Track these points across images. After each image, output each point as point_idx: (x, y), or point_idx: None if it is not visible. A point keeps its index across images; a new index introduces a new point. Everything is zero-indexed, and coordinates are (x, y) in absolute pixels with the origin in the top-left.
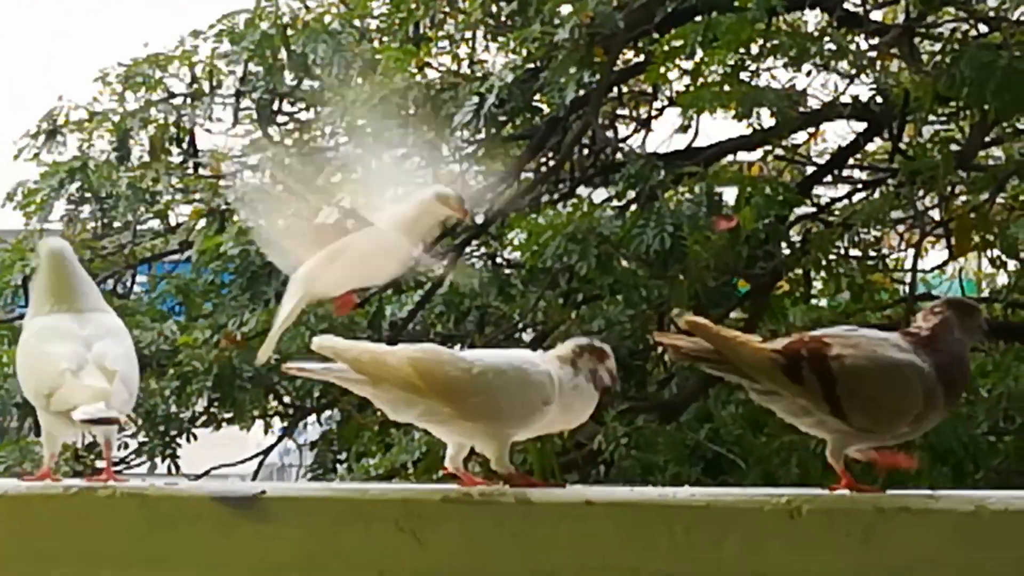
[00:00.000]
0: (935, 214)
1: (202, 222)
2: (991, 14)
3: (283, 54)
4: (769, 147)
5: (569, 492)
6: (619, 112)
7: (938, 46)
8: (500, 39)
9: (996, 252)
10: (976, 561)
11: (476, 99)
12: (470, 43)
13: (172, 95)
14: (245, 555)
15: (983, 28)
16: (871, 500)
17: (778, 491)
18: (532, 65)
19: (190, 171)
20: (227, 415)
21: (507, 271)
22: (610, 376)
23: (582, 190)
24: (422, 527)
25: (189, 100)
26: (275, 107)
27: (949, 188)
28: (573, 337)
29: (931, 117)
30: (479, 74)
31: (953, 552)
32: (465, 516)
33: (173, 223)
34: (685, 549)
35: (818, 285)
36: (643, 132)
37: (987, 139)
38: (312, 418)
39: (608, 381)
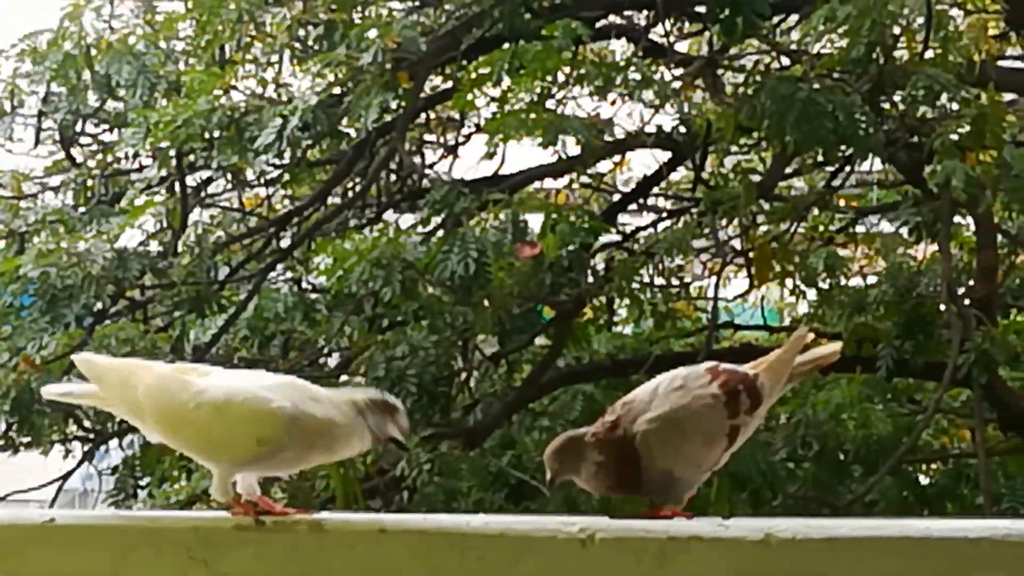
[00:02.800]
0: (738, 244)
1: (1, 243)
2: (793, 47)
3: (87, 75)
4: (575, 175)
5: (363, 519)
6: (427, 138)
7: (742, 78)
8: (306, 63)
9: (796, 282)
10: None
11: (279, 121)
12: (276, 66)
13: None
14: None
15: (785, 61)
16: (663, 528)
17: (572, 519)
18: (338, 90)
19: None
20: (25, 439)
21: (313, 296)
22: (401, 431)
23: (390, 215)
24: (214, 555)
25: None
26: (78, 128)
27: (750, 218)
28: (371, 389)
29: (733, 148)
30: (284, 98)
31: None
32: (258, 543)
33: None
34: None
35: (623, 312)
36: (450, 158)
37: (789, 170)
38: (114, 443)
39: (399, 435)
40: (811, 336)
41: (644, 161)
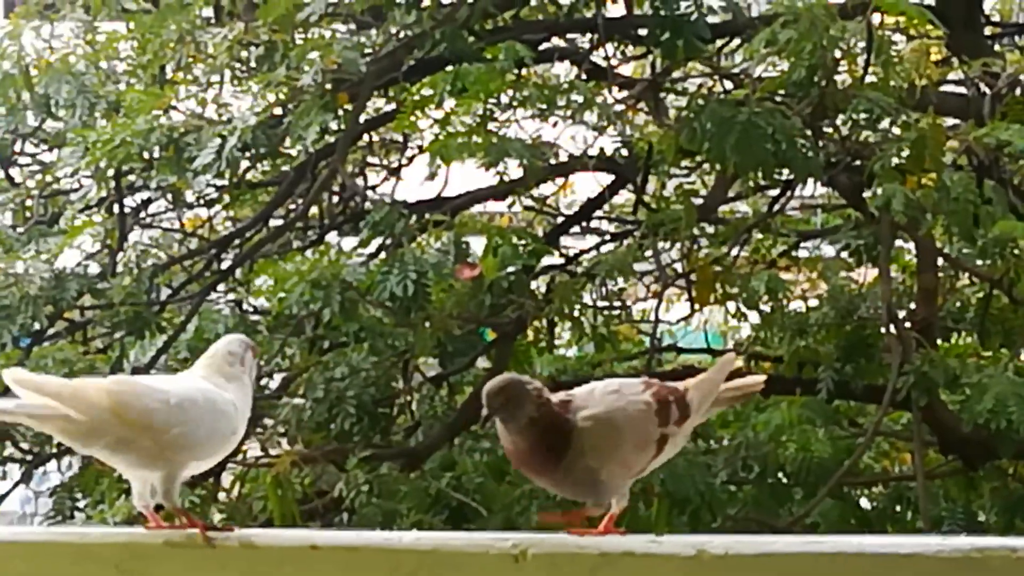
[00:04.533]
0: (681, 267)
1: None
2: (737, 70)
3: (26, 95)
4: (519, 197)
5: (294, 535)
6: (370, 160)
7: (684, 101)
8: (246, 83)
9: (738, 305)
10: None
11: (218, 141)
12: (216, 87)
13: None
14: None
15: (728, 85)
16: (595, 544)
17: (505, 535)
18: (279, 110)
19: None
20: None
21: (254, 317)
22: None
23: (335, 238)
24: (144, 570)
25: None
26: (17, 148)
27: (692, 241)
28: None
29: (675, 170)
30: (224, 118)
31: None
32: (188, 559)
33: None
34: None
35: (566, 335)
36: (393, 180)
37: (733, 194)
38: (53, 465)
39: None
40: (739, 362)
41: (589, 185)
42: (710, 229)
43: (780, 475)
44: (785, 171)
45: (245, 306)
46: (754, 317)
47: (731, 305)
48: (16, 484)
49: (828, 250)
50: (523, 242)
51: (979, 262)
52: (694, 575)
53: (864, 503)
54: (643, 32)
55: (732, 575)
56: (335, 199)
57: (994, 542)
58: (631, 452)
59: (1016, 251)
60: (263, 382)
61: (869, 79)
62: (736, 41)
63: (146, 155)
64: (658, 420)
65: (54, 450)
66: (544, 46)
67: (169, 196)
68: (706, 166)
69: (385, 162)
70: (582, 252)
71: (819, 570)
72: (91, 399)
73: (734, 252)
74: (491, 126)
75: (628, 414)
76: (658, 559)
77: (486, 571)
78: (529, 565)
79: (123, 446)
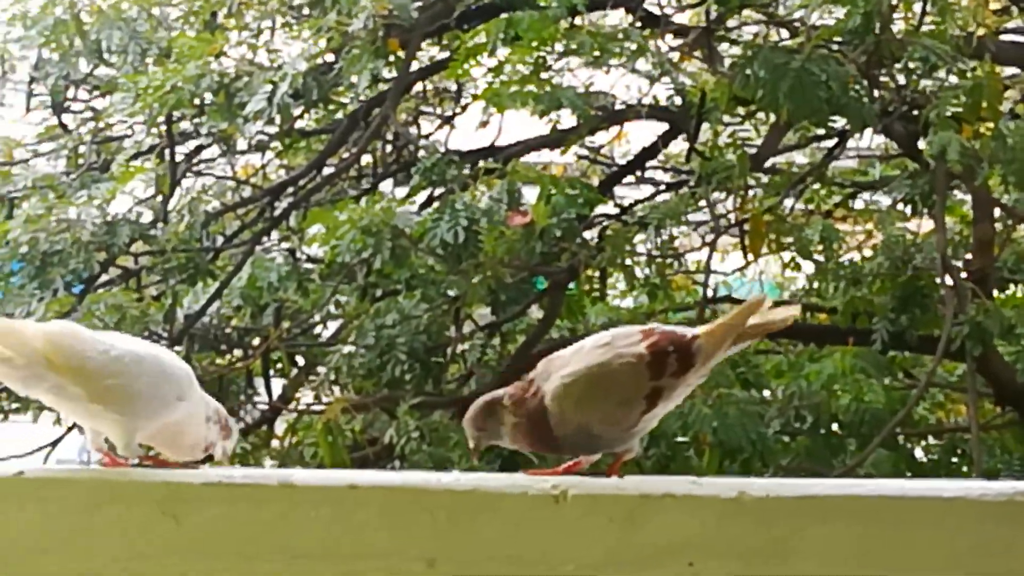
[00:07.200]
0: (734, 217)
1: None
2: (795, 16)
3: (78, 41)
4: (573, 146)
5: (333, 475)
6: (423, 109)
7: (739, 50)
8: (297, 29)
9: (792, 255)
10: (737, 544)
11: (269, 88)
12: (267, 32)
13: None
14: (3, 534)
15: (784, 33)
16: (636, 485)
17: (544, 476)
18: (330, 57)
19: None
20: (14, 405)
21: (307, 265)
22: (223, 454)
23: (389, 187)
24: (184, 510)
25: None
26: (69, 94)
27: (746, 190)
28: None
29: (728, 119)
30: (275, 64)
31: (715, 535)
32: (227, 499)
33: None
34: (447, 533)
35: (621, 285)
36: (447, 129)
37: (790, 144)
38: None
39: (219, 456)
40: (770, 302)
41: (644, 134)
42: (764, 179)
43: (833, 425)
44: (840, 120)
45: (298, 254)
46: (809, 267)
47: (786, 255)
48: (69, 429)
49: (885, 201)
50: (576, 191)
51: None
52: (734, 517)
53: (919, 454)
54: None
55: (772, 517)
56: (388, 148)
57: None
58: (616, 407)
59: None
60: (316, 330)
61: (926, 27)
62: None
63: (197, 101)
64: (650, 373)
65: None
66: None
67: (221, 143)
68: (760, 115)
69: (439, 111)
70: (637, 202)
71: (860, 513)
72: (26, 340)
73: (789, 202)
74: (544, 74)
75: (611, 369)
76: (698, 500)
77: (525, 512)
78: (569, 506)
79: (59, 392)
